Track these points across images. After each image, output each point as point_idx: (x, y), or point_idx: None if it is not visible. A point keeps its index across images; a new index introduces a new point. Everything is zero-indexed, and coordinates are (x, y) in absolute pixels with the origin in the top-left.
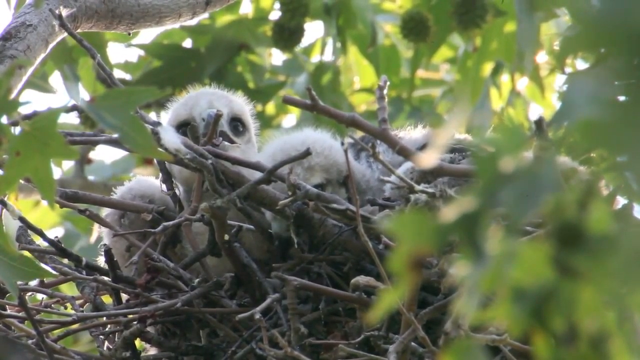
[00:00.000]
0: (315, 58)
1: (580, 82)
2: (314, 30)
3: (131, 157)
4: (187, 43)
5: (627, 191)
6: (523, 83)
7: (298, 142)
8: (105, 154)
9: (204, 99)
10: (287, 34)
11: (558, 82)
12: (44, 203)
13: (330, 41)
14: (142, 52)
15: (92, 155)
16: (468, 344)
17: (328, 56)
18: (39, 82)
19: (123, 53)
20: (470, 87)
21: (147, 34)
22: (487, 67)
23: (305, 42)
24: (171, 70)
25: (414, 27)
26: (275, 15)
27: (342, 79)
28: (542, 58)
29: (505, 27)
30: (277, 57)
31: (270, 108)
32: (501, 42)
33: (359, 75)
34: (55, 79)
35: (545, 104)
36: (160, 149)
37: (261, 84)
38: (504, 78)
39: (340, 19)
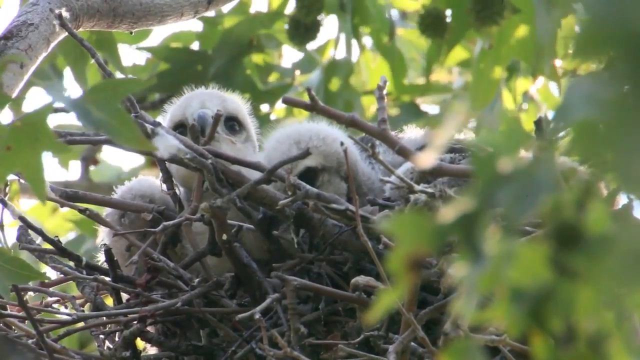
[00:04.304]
0: (331, 54)
1: (579, 83)
2: (328, 28)
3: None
4: (195, 46)
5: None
6: (536, 86)
7: (304, 130)
8: (112, 157)
9: (196, 99)
10: (302, 30)
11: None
12: (61, 210)
13: (343, 38)
14: (149, 55)
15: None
16: (467, 344)
17: (341, 53)
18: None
19: (131, 56)
20: (484, 88)
21: (155, 37)
22: (501, 69)
23: (319, 40)
24: (178, 72)
25: (431, 23)
26: (290, 10)
27: (353, 80)
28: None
29: (520, 28)
30: (286, 58)
31: (280, 111)
32: (517, 42)
33: (369, 77)
34: (66, 76)
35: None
36: (157, 149)
37: (269, 85)
38: (518, 81)
39: (355, 17)
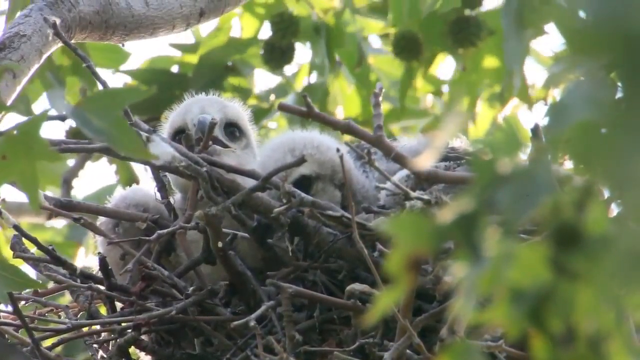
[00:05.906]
0: (303, 82)
1: (578, 85)
2: (303, 53)
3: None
4: (175, 69)
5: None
6: (505, 113)
7: (298, 137)
8: (88, 186)
9: (197, 105)
10: (278, 54)
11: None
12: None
13: (318, 62)
14: (128, 79)
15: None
16: (466, 345)
17: (315, 78)
18: (21, 106)
19: (110, 80)
20: (462, 104)
21: (134, 61)
22: (475, 91)
23: (294, 65)
24: (158, 95)
25: (405, 45)
26: (264, 35)
27: (329, 108)
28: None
29: (493, 50)
30: (262, 82)
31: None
32: (490, 64)
33: (344, 105)
34: (39, 104)
35: None
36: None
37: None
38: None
39: (329, 41)
